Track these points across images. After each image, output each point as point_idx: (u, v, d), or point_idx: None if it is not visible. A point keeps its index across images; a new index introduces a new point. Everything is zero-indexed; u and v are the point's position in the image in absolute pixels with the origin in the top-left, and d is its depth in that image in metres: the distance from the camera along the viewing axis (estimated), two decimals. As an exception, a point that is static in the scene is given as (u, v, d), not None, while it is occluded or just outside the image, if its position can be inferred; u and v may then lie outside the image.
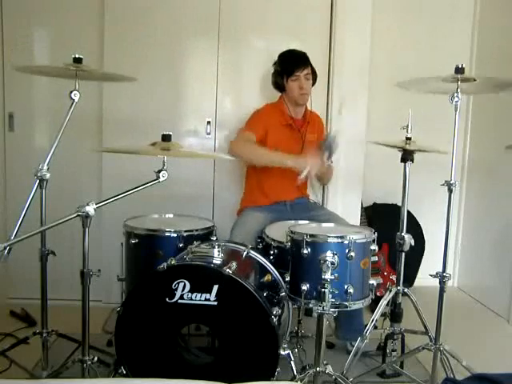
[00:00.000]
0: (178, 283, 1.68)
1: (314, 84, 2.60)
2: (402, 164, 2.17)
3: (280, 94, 2.63)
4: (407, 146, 2.10)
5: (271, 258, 2.03)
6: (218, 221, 2.37)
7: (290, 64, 2.51)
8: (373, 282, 1.86)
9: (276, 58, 2.58)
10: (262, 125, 2.52)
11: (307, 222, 2.26)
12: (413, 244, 2.19)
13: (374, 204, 3.41)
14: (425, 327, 2.17)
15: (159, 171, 1.62)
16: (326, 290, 1.64)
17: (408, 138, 2.11)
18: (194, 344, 1.99)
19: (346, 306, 1.76)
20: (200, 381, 1.20)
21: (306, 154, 2.34)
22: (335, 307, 1.73)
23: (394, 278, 2.95)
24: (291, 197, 2.60)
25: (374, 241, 1.86)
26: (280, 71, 2.54)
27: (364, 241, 1.81)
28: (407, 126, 2.10)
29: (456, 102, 1.96)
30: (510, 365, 2.35)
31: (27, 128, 2.97)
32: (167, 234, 2.07)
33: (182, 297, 1.69)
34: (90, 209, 1.56)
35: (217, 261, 1.76)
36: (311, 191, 2.84)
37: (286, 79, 2.52)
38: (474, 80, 1.99)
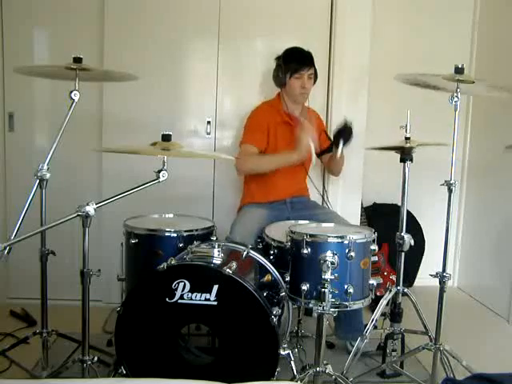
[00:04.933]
0: (178, 283, 1.68)
1: (314, 83, 2.61)
2: (402, 164, 2.17)
3: (278, 89, 2.64)
4: (406, 145, 2.10)
5: (271, 257, 2.03)
6: (218, 221, 2.38)
7: (296, 62, 2.50)
8: (373, 281, 1.86)
9: (278, 54, 2.58)
10: (260, 130, 2.53)
11: (307, 221, 2.26)
12: (413, 244, 2.18)
13: (374, 204, 3.41)
14: (425, 327, 2.17)
15: (159, 171, 1.62)
16: (326, 290, 1.64)
17: (407, 138, 2.11)
18: (194, 344, 1.99)
19: (346, 306, 1.76)
20: (200, 381, 1.20)
21: (298, 138, 2.39)
22: (335, 307, 1.73)
23: (393, 277, 2.94)
24: (290, 194, 2.61)
25: (373, 241, 1.86)
26: (284, 68, 2.52)
27: (364, 241, 1.81)
28: (406, 126, 2.10)
29: (456, 102, 1.96)
30: (510, 365, 2.35)
31: (27, 128, 2.96)
32: (167, 234, 2.07)
33: (182, 297, 1.69)
34: (90, 209, 1.56)
35: (217, 261, 1.76)
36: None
37: (288, 76, 2.51)
38: (473, 82, 1.99)
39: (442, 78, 1.97)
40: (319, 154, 2.72)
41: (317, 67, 2.62)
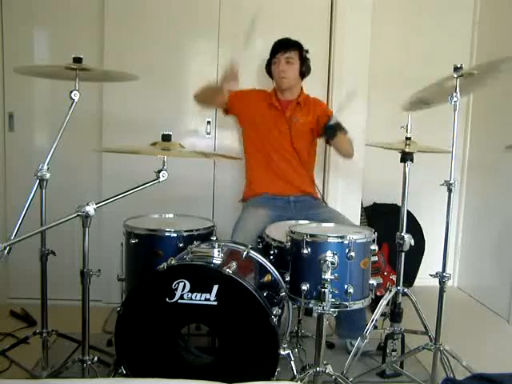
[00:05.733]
0: (178, 283, 1.68)
1: (304, 74, 2.63)
2: (402, 164, 2.17)
3: None
4: (407, 148, 2.10)
5: (271, 257, 2.03)
6: (218, 221, 2.37)
7: (274, 47, 2.61)
8: (373, 281, 1.86)
9: None
10: (240, 99, 2.63)
11: (307, 221, 2.26)
12: (413, 244, 2.18)
13: (374, 204, 3.41)
14: (425, 327, 2.17)
15: (159, 171, 1.62)
16: (326, 290, 1.64)
17: (408, 138, 2.11)
18: (194, 344, 1.99)
19: (346, 306, 1.76)
20: (200, 381, 1.20)
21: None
22: (335, 307, 1.73)
23: (393, 277, 2.95)
24: (292, 192, 2.61)
25: (374, 241, 1.86)
26: (269, 57, 2.64)
27: (364, 241, 1.81)
28: (407, 126, 2.10)
29: (455, 101, 1.96)
30: (510, 365, 2.35)
31: (27, 128, 2.96)
32: (167, 234, 2.07)
33: (182, 297, 1.69)
34: (90, 209, 1.56)
35: (217, 261, 1.76)
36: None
37: (271, 63, 2.62)
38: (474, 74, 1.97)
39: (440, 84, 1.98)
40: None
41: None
